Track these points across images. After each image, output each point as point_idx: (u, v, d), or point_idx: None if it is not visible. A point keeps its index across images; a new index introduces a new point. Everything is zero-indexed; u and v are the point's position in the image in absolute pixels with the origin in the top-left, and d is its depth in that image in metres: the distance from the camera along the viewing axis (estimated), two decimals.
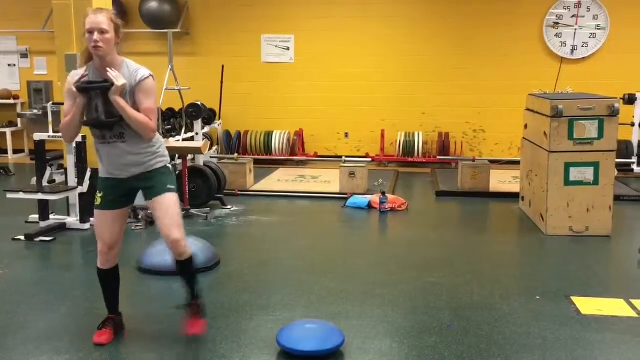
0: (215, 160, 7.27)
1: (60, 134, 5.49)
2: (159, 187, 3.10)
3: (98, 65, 3.01)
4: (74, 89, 2.98)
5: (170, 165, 3.21)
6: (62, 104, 5.64)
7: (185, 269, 3.25)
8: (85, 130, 5.46)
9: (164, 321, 3.53)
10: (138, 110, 2.99)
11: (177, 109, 8.62)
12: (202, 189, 6.25)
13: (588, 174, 5.25)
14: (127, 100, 2.99)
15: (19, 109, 9.89)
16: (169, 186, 3.12)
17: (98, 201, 3.16)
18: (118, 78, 2.95)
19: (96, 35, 2.92)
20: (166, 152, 3.22)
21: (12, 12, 9.78)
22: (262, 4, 9.35)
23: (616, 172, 5.55)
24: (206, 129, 8.32)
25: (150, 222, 5.63)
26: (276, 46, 9.43)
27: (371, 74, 9.23)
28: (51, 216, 5.54)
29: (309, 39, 9.31)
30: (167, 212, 3.09)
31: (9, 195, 5.34)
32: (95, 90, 2.97)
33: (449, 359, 3.06)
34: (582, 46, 8.83)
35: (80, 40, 5.50)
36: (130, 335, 3.32)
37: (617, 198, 5.90)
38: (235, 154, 8.31)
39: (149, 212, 5.69)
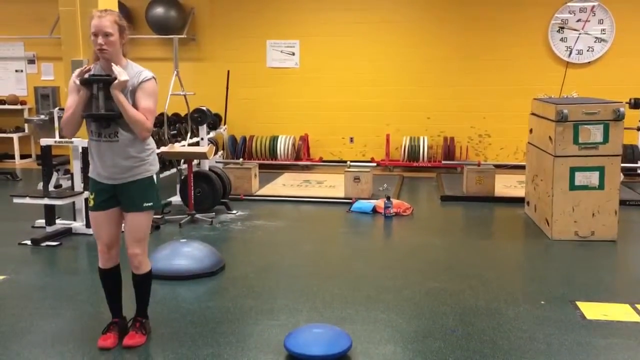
0: (220, 165, 7.30)
1: (65, 139, 5.56)
2: (137, 202, 3.15)
3: (104, 65, 3.08)
4: (77, 82, 3.05)
5: (155, 177, 3.23)
6: None
7: (139, 283, 3.30)
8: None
9: (169, 325, 3.54)
10: (137, 108, 3.05)
11: (182, 114, 8.65)
12: (207, 193, 6.27)
13: (593, 178, 5.24)
14: (128, 99, 3.05)
15: (26, 115, 9.94)
16: (146, 204, 3.17)
17: (91, 203, 3.21)
18: (121, 73, 3.02)
19: (100, 39, 2.99)
20: (156, 162, 3.25)
21: (19, 19, 9.85)
22: (268, 9, 9.38)
23: (622, 177, 5.53)
24: (211, 134, 8.34)
25: (156, 227, 5.65)
26: (281, 51, 9.46)
27: (376, 78, 9.24)
28: (57, 221, 5.57)
29: (314, 44, 9.33)
30: (133, 228, 3.17)
31: (16, 200, 5.37)
32: (98, 84, 3.05)
33: None
34: (588, 50, 8.82)
35: (86, 45, 5.55)
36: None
37: (623, 203, 5.89)
38: (241, 159, 8.33)
39: (155, 216, 5.71)
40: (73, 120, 3.10)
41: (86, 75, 3.07)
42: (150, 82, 3.09)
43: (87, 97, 3.07)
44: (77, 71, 3.13)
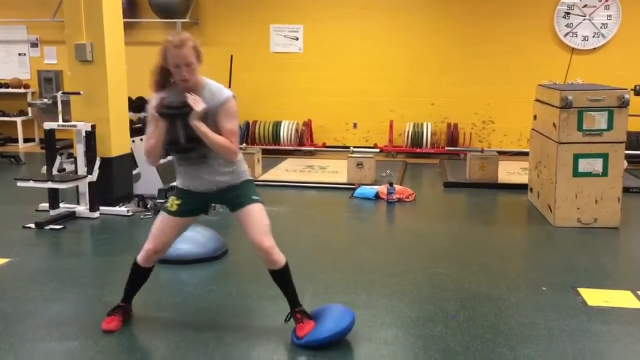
0: None
1: (69, 124, 5.56)
2: (244, 198, 3.11)
3: (182, 87, 2.98)
4: (155, 113, 2.98)
5: (251, 178, 3.22)
6: (72, 93, 5.71)
7: (279, 278, 3.19)
8: (96, 118, 5.50)
9: (172, 309, 3.56)
10: (219, 131, 2.97)
11: None
12: None
13: (597, 165, 5.23)
14: (209, 122, 2.97)
15: (29, 98, 9.93)
16: (254, 197, 3.12)
17: (173, 207, 3.16)
18: (197, 102, 2.92)
19: (184, 71, 2.90)
20: (246, 167, 3.22)
21: (22, 2, 9.81)
22: None
23: (625, 164, 5.52)
24: None
25: (158, 210, 5.65)
26: (285, 36, 9.41)
27: (380, 64, 9.20)
28: (61, 205, 5.59)
29: (317, 29, 9.28)
30: (256, 221, 3.09)
31: (20, 184, 5.38)
32: (176, 115, 2.95)
33: (454, 349, 3.08)
34: (593, 36, 8.75)
35: (89, 28, 5.52)
36: (138, 323, 3.35)
37: (626, 190, 5.87)
38: (244, 144, 8.33)
39: (157, 201, 5.73)
40: (157, 150, 3.04)
41: (162, 106, 2.97)
42: (230, 103, 3.00)
43: (166, 127, 2.98)
44: (155, 101, 3.01)
